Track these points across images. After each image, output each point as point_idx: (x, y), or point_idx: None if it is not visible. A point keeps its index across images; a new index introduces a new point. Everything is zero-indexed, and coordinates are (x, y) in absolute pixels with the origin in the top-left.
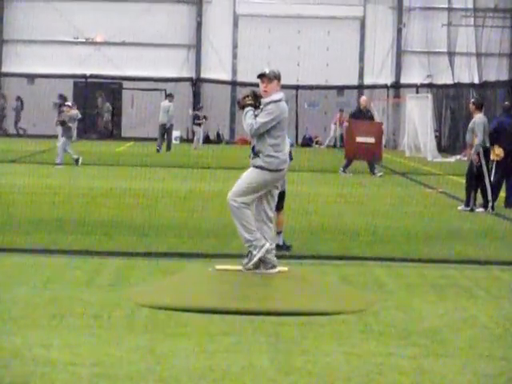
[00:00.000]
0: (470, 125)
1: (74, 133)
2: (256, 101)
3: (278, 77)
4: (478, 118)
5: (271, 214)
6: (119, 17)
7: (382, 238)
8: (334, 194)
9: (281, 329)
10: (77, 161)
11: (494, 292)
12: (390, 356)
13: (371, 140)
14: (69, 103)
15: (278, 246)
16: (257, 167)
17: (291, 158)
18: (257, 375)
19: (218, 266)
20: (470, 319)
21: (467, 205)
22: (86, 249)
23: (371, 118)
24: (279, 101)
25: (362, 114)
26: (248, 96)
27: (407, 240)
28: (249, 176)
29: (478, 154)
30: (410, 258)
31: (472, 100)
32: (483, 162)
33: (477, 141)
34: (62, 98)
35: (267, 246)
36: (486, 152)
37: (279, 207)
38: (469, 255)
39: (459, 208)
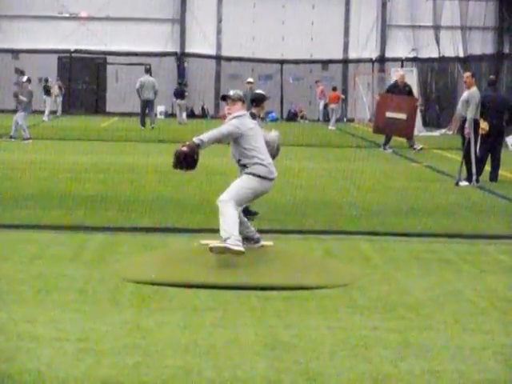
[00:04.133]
0: (465, 96)
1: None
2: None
3: (242, 99)
4: (473, 91)
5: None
6: None
7: (367, 212)
8: (319, 169)
9: (266, 303)
10: (11, 137)
11: (479, 266)
12: (375, 330)
13: (402, 116)
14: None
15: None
16: (248, 173)
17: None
18: (242, 349)
19: (203, 241)
20: (455, 293)
21: (469, 180)
22: (71, 224)
23: (409, 92)
24: (241, 116)
25: (397, 89)
26: (178, 157)
27: (392, 214)
28: (241, 181)
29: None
30: (395, 231)
31: (470, 73)
32: (472, 135)
33: (469, 114)
34: None
35: (241, 248)
36: (475, 125)
37: None
38: (454, 229)
39: (461, 184)
